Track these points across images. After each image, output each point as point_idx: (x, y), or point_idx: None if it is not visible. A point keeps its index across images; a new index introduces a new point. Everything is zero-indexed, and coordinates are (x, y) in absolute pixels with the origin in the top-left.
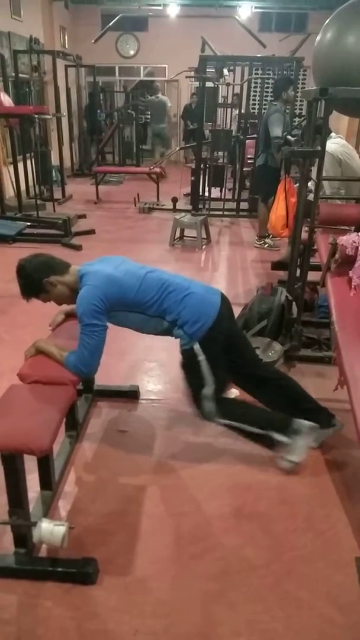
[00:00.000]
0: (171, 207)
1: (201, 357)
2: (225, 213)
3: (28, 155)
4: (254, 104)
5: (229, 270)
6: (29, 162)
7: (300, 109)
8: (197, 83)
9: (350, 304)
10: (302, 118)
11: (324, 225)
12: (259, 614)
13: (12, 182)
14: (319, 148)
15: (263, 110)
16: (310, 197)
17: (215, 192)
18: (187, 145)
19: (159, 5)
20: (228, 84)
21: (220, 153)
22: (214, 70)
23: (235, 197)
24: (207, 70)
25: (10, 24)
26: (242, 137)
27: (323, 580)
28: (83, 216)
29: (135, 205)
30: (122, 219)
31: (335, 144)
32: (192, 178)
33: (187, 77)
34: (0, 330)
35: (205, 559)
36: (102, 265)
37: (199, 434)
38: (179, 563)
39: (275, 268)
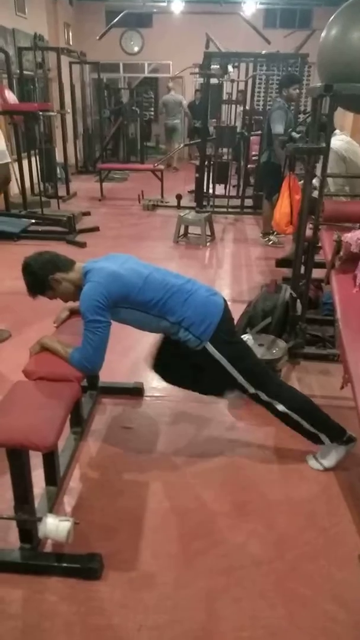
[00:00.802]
0: (175, 204)
1: (218, 356)
2: (230, 210)
3: (32, 152)
4: (259, 101)
5: (233, 267)
6: (33, 159)
7: (304, 106)
8: (202, 80)
9: (355, 302)
10: (307, 115)
11: (329, 222)
12: (263, 611)
13: (16, 179)
14: (323, 145)
15: (268, 107)
16: (315, 194)
17: (220, 189)
18: (192, 142)
19: (164, 1)
20: (232, 81)
21: (225, 150)
22: (218, 66)
23: (240, 194)
24: (212, 66)
25: (14, 20)
26: (246, 134)
27: (326, 577)
28: (87, 213)
29: (139, 203)
30: (127, 216)
31: (340, 141)
32: (197, 175)
33: (191, 73)
34: (6, 327)
35: (209, 555)
36: (107, 262)
37: (203, 430)
38: (184, 559)
39: (279, 265)
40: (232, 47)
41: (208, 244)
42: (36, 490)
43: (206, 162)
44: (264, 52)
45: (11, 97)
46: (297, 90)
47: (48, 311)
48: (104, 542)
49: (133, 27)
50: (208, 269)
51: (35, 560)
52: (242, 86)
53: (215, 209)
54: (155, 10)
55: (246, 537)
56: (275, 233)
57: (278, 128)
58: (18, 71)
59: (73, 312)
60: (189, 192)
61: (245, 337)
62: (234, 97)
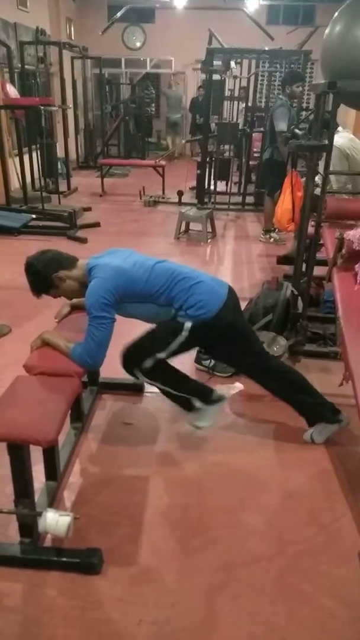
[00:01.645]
0: (176, 200)
1: (184, 334)
2: (231, 207)
3: (34, 147)
4: (261, 98)
5: (234, 264)
6: (34, 154)
7: (307, 103)
8: (204, 76)
9: (356, 299)
10: (310, 112)
11: (331, 219)
12: (262, 606)
13: (17, 174)
14: (326, 142)
15: (270, 104)
16: (317, 191)
17: (221, 186)
18: (194, 138)
19: None
20: (235, 77)
21: (227, 146)
22: (220, 63)
23: (241, 191)
24: (214, 62)
25: (16, 14)
26: (248, 131)
27: (326, 573)
28: (88, 209)
29: (140, 199)
30: (128, 212)
31: (342, 138)
32: (198, 171)
33: (193, 69)
34: (6, 321)
35: (208, 550)
36: (111, 257)
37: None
38: (183, 554)
39: (280, 262)
40: (235, 43)
41: (209, 240)
42: (36, 485)
43: (208, 159)
44: (266, 48)
45: (12, 91)
46: (300, 88)
47: (48, 306)
48: (103, 537)
49: (135, 22)
50: (209, 265)
51: (35, 554)
52: (244, 83)
53: (217, 206)
54: (157, 5)
55: (246, 533)
56: (276, 230)
57: (281, 125)
58: (20, 65)
59: (74, 308)
60: (190, 188)
61: None
62: (236, 94)
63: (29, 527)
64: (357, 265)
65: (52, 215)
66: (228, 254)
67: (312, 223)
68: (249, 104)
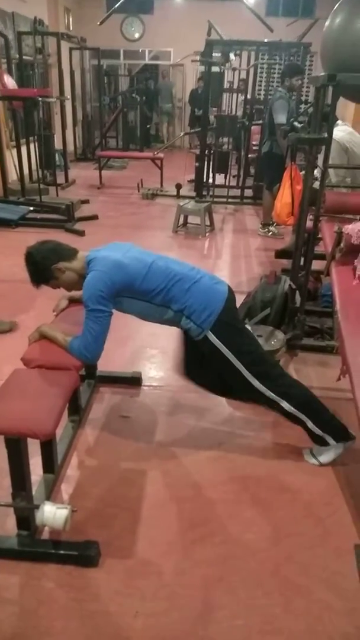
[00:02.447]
0: (175, 193)
1: (219, 345)
2: (230, 200)
3: (31, 138)
4: (260, 90)
5: (232, 258)
6: (32, 145)
7: (306, 95)
8: (203, 67)
9: (354, 294)
10: (309, 104)
11: (330, 213)
12: (258, 599)
13: (15, 166)
14: (325, 135)
15: (269, 96)
16: (316, 185)
17: (220, 179)
18: (192, 131)
19: None
20: (234, 69)
21: (225, 139)
22: (220, 54)
23: (240, 184)
24: (213, 54)
25: (14, 4)
26: (247, 123)
27: (322, 566)
28: (86, 201)
29: (138, 191)
30: (125, 205)
31: (342, 132)
32: (197, 164)
33: (192, 61)
34: (4, 314)
35: (206, 543)
36: (110, 251)
37: (201, 420)
38: (180, 547)
39: (279, 256)
40: (234, 35)
41: (207, 234)
42: (34, 478)
43: (206, 152)
44: (266, 40)
45: (10, 82)
46: (300, 81)
47: (46, 299)
48: (101, 530)
49: (134, 13)
50: (207, 259)
51: (33, 547)
52: (243, 75)
53: (215, 199)
54: None
55: (243, 526)
56: (274, 224)
57: (281, 118)
58: (17, 56)
59: (73, 301)
60: (188, 181)
61: None
62: (235, 86)
63: (26, 519)
64: (355, 260)
65: (50, 208)
66: (226, 247)
67: (311, 217)
68: (248, 97)
